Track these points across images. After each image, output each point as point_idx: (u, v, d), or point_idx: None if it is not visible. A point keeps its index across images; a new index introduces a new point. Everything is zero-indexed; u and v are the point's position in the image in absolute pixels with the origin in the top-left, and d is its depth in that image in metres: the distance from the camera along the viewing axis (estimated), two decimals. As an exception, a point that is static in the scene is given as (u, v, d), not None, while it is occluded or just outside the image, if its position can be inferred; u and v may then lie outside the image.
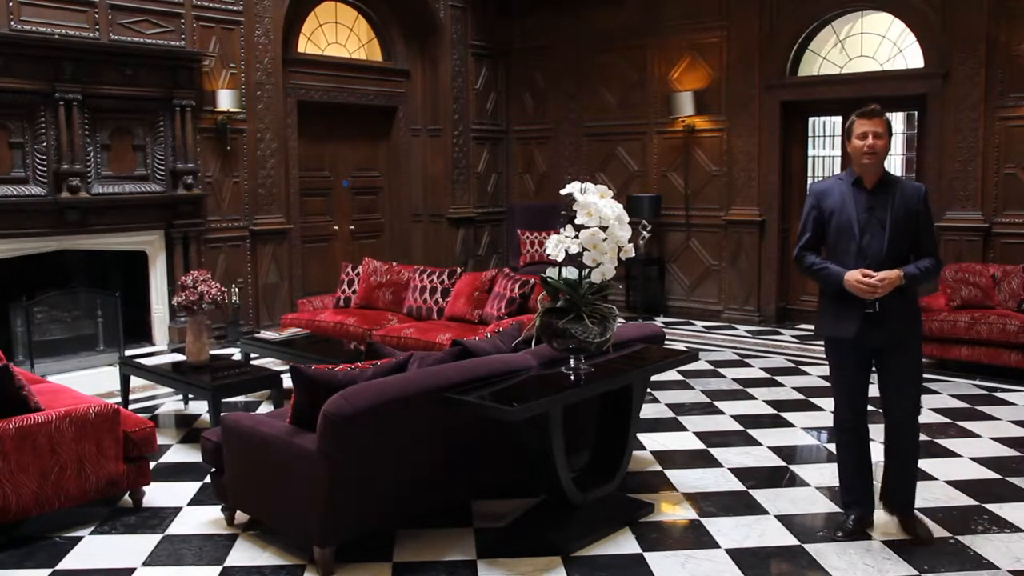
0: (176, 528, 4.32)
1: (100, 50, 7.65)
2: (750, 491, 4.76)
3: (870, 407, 4.20)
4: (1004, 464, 5.14)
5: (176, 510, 4.54)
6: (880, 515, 4.22)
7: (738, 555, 3.98)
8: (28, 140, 7.36)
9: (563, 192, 3.93)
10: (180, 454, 5.45)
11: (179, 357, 6.23)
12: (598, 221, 3.76)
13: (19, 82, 7.19)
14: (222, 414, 4.37)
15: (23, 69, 7.20)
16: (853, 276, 3.86)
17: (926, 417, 6.07)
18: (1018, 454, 5.33)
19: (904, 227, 3.92)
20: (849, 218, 3.94)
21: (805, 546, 4.07)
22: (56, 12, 7.53)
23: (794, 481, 4.92)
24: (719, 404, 6.53)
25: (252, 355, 7.19)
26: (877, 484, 4.29)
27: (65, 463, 4.16)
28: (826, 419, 5.92)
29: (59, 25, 7.53)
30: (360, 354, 6.01)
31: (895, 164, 10.55)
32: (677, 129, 10.13)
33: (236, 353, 7.47)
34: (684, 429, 5.91)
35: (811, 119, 9.72)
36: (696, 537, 4.18)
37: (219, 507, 4.38)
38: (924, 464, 5.12)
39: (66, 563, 3.95)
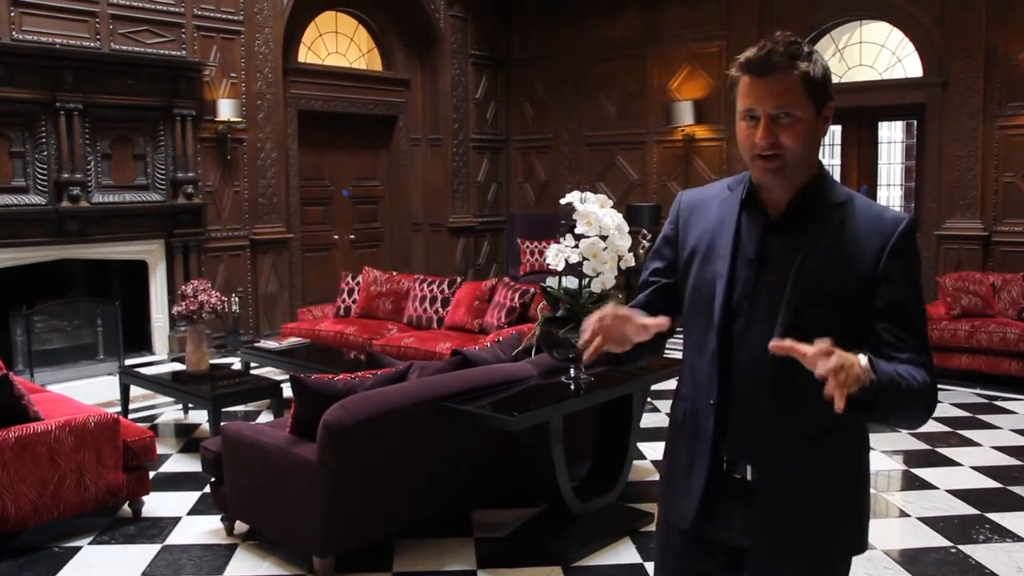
0: (175, 538, 4.31)
1: (101, 60, 7.67)
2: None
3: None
4: (1005, 473, 5.13)
5: (175, 520, 4.53)
6: (881, 524, 4.21)
7: (739, 565, 3.96)
8: (29, 149, 7.37)
9: (563, 201, 3.93)
10: (180, 464, 5.44)
11: (179, 366, 6.22)
12: (598, 230, 3.76)
13: (20, 91, 7.19)
14: (222, 424, 4.37)
15: (24, 78, 7.20)
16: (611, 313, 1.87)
17: (927, 426, 6.06)
18: (1019, 463, 5.32)
19: (834, 308, 1.82)
20: (713, 275, 1.92)
21: (806, 556, 4.05)
22: (57, 22, 7.55)
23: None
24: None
25: (252, 364, 7.19)
26: (876, 490, 4.28)
27: (64, 473, 4.16)
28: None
29: (60, 35, 7.54)
30: (360, 363, 6.00)
31: (893, 174, 10.51)
32: (677, 138, 10.14)
33: (236, 362, 7.46)
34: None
35: (810, 128, 9.71)
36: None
37: (219, 517, 4.37)
38: (925, 473, 5.12)
39: (65, 573, 3.93)
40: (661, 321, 1.85)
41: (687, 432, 2.00)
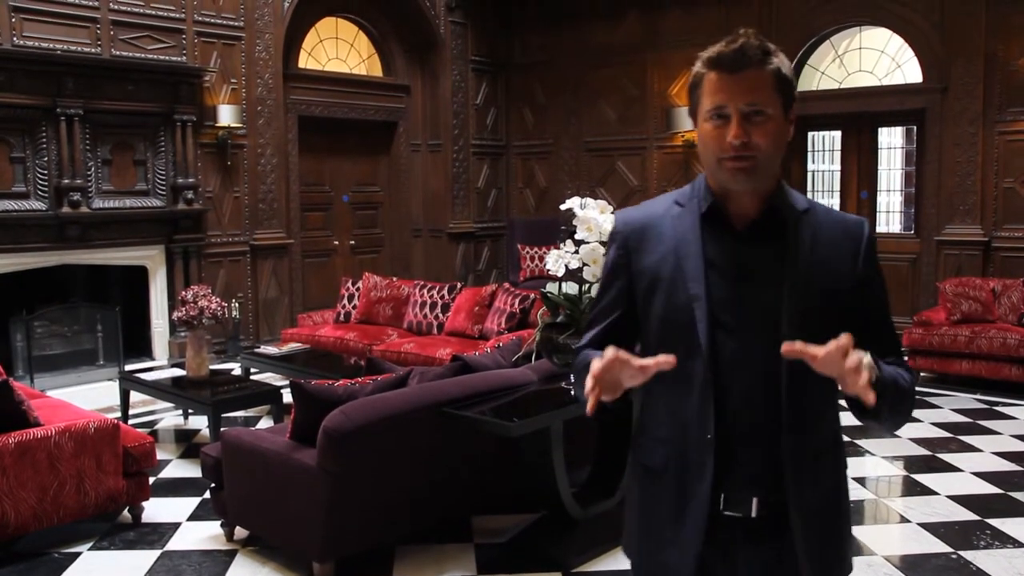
0: (175, 544, 4.30)
1: (101, 65, 7.68)
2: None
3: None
4: (1006, 478, 5.13)
5: (175, 525, 4.52)
6: (882, 530, 4.21)
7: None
8: (29, 155, 7.38)
9: (563, 207, 3.93)
10: (180, 469, 5.44)
11: (179, 372, 6.21)
12: (598, 236, 3.76)
13: (21, 97, 7.21)
14: (222, 429, 4.37)
15: (25, 84, 7.22)
16: (623, 360, 1.63)
17: (928, 432, 6.07)
18: (1020, 468, 5.31)
19: (826, 314, 1.74)
20: (689, 299, 1.76)
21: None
22: (58, 28, 7.56)
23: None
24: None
25: (252, 370, 7.18)
26: (876, 496, 4.28)
27: (64, 478, 4.15)
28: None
29: (61, 41, 7.56)
30: (360, 369, 6.00)
31: (893, 180, 10.50)
32: (677, 144, 10.15)
33: (236, 368, 7.46)
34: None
35: (810, 134, 9.74)
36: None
37: (218, 522, 4.36)
38: (926, 478, 5.12)
39: (65, 579, 3.94)
40: (665, 359, 1.63)
41: (672, 478, 1.80)
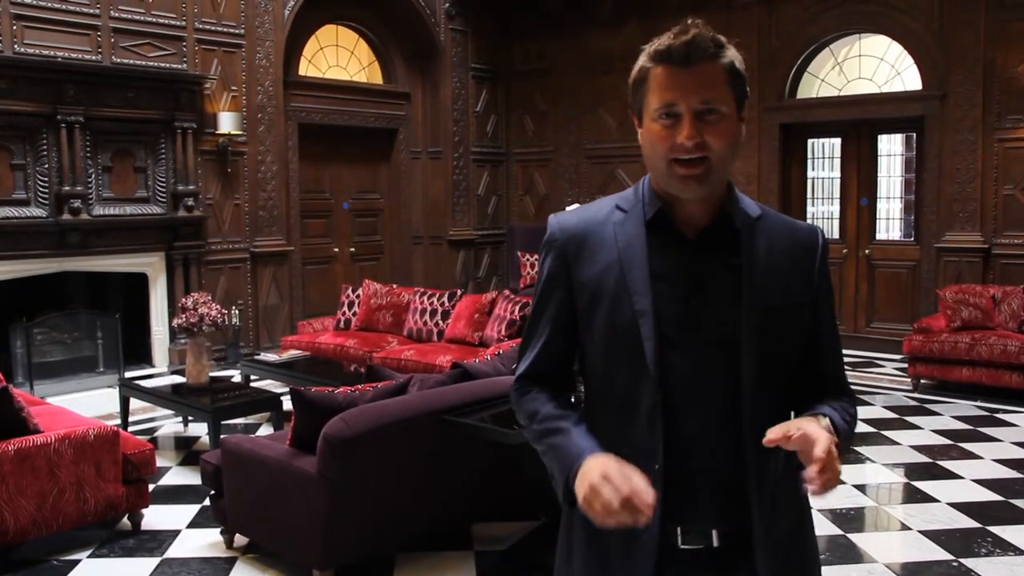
0: (175, 551, 4.29)
1: (102, 73, 7.69)
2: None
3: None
4: (1006, 486, 5.12)
5: (175, 533, 4.51)
6: (883, 537, 4.20)
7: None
8: (30, 162, 7.38)
9: (563, 214, 3.93)
10: (179, 476, 5.43)
11: (179, 379, 6.21)
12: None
13: (21, 104, 7.22)
14: (222, 436, 4.37)
15: (25, 91, 7.23)
16: (607, 470, 1.46)
17: (928, 439, 6.06)
18: (1020, 476, 5.30)
19: (785, 330, 1.62)
20: (634, 315, 1.59)
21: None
22: (59, 35, 7.58)
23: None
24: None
25: (252, 377, 7.18)
26: (877, 503, 4.27)
27: (64, 485, 4.15)
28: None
29: (62, 48, 7.57)
30: (360, 376, 6.00)
31: (893, 187, 10.52)
32: (677, 151, 10.14)
33: (236, 375, 7.46)
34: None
35: (810, 141, 9.75)
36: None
37: (218, 530, 4.35)
38: (926, 486, 5.11)
39: (64, 587, 3.93)
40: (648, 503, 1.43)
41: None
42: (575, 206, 3.83)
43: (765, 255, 1.59)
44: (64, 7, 7.59)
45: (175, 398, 5.87)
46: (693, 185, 1.54)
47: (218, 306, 5.97)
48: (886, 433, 6.20)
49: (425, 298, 7.69)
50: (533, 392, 1.74)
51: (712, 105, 1.52)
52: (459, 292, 7.73)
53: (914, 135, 9.31)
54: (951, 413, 6.75)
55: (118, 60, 7.92)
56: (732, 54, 1.56)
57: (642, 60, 1.58)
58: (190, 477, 5.32)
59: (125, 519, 4.55)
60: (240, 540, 4.30)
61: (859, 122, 9.13)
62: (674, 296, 1.58)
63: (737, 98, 1.56)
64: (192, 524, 4.64)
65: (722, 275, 1.58)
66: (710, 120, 1.52)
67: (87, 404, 6.75)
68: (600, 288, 1.62)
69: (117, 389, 6.50)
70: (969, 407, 6.94)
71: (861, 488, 5.09)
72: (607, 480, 1.43)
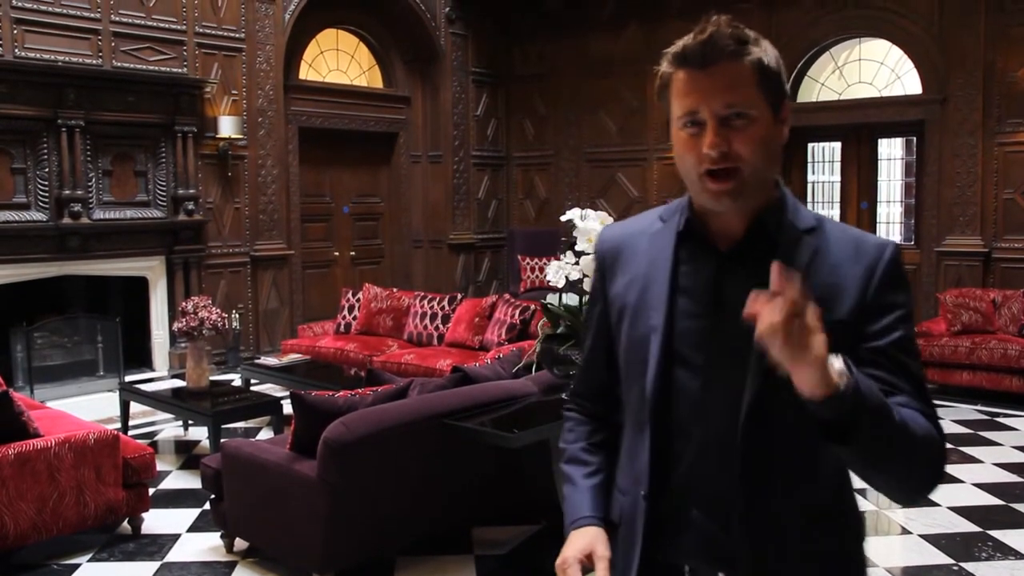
0: (175, 555, 4.29)
1: (102, 77, 7.70)
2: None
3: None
4: (1007, 490, 5.12)
5: (175, 537, 4.51)
6: (883, 541, 4.20)
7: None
8: (30, 166, 7.39)
9: (563, 218, 3.93)
10: (179, 480, 5.43)
11: (179, 383, 6.21)
12: (598, 247, 3.75)
13: (22, 108, 7.22)
14: (222, 440, 4.36)
15: (26, 95, 7.23)
16: (567, 556, 1.52)
17: (928, 443, 6.04)
18: (1021, 480, 5.30)
19: None
20: (647, 331, 1.50)
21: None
22: (59, 39, 7.59)
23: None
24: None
25: (252, 381, 7.18)
26: (877, 507, 4.27)
27: (64, 489, 4.14)
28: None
29: (62, 52, 7.58)
30: (360, 380, 5.99)
31: (893, 191, 10.53)
32: (677, 155, 10.15)
33: (236, 379, 7.45)
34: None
35: (810, 145, 9.76)
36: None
37: (218, 534, 4.35)
38: (927, 490, 5.09)
39: (64, 591, 3.93)
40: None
41: (622, 539, 1.55)
42: (574, 211, 3.84)
43: (803, 269, 1.38)
44: (65, 11, 7.59)
45: (175, 402, 5.87)
46: (726, 201, 1.40)
47: (218, 310, 5.96)
48: (886, 437, 6.18)
49: (425, 302, 7.69)
50: (574, 416, 1.71)
51: (738, 109, 1.37)
52: (459, 296, 7.73)
53: (914, 139, 9.32)
54: (951, 417, 6.75)
55: (119, 64, 7.92)
56: (760, 50, 1.39)
57: (663, 64, 1.44)
58: (190, 481, 5.32)
59: (125, 523, 4.55)
60: (240, 544, 4.30)
61: (859, 126, 9.14)
62: (693, 312, 1.47)
63: (770, 99, 1.40)
64: (192, 528, 4.63)
65: (748, 290, 1.28)
66: (737, 126, 1.37)
67: (87, 408, 6.75)
68: (625, 302, 1.55)
69: (117, 393, 6.49)
70: (969, 411, 6.93)
71: (862, 492, 5.08)
72: (563, 571, 1.49)
